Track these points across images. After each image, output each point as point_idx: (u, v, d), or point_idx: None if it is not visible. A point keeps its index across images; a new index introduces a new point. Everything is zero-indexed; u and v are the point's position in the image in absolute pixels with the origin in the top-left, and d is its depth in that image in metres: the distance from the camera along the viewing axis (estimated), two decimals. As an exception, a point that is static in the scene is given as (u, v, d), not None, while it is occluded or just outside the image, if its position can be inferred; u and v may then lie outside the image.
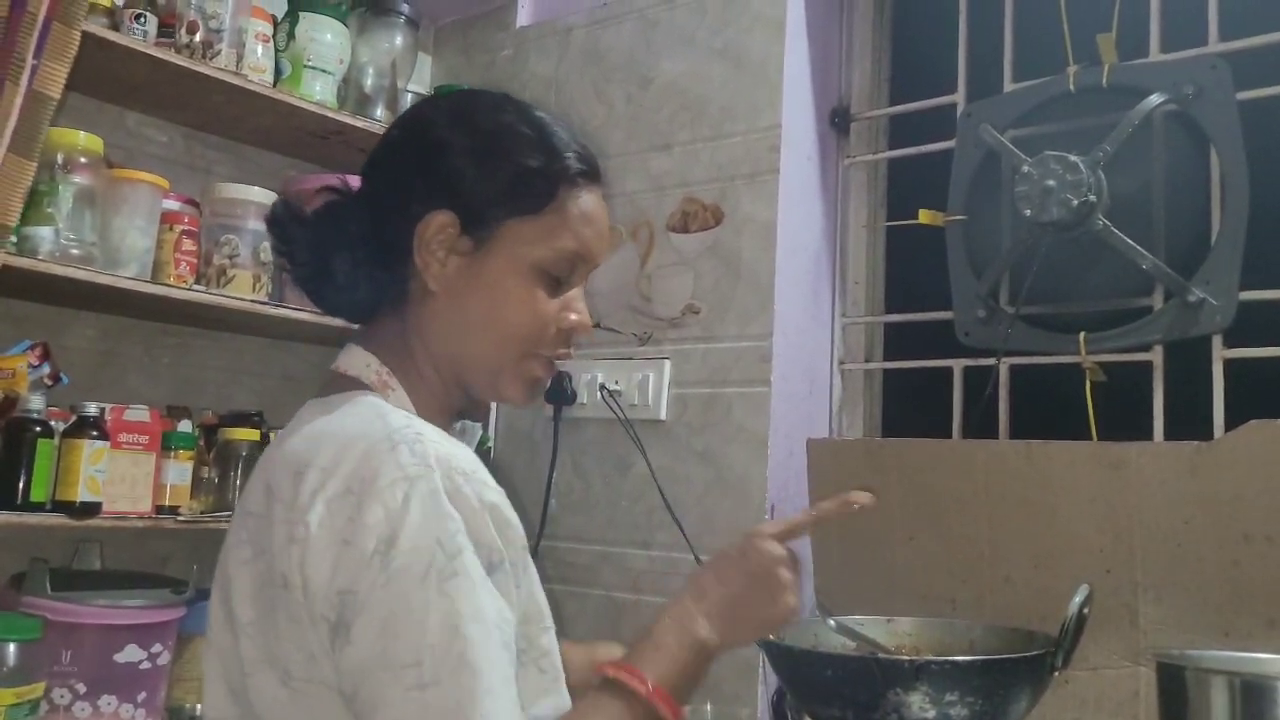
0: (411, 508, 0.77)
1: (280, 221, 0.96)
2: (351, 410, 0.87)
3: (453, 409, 0.98)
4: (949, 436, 1.75)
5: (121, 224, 1.66)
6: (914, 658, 1.16)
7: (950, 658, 1.18)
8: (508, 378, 0.94)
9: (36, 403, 1.54)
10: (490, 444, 2.10)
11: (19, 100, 1.02)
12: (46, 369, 1.61)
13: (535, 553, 2.02)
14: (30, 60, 1.03)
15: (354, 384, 0.93)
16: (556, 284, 0.93)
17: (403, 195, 0.92)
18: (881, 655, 1.23)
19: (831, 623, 1.27)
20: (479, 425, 2.10)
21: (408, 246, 0.91)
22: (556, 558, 1.97)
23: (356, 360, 0.93)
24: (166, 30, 1.72)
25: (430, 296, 0.92)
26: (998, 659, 1.18)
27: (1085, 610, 1.21)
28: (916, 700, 1.15)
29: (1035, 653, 1.19)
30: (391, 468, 0.79)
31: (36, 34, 1.03)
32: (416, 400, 0.93)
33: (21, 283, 1.56)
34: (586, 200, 0.94)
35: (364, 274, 0.92)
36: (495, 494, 0.84)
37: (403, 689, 0.74)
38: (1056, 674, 1.21)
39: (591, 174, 0.95)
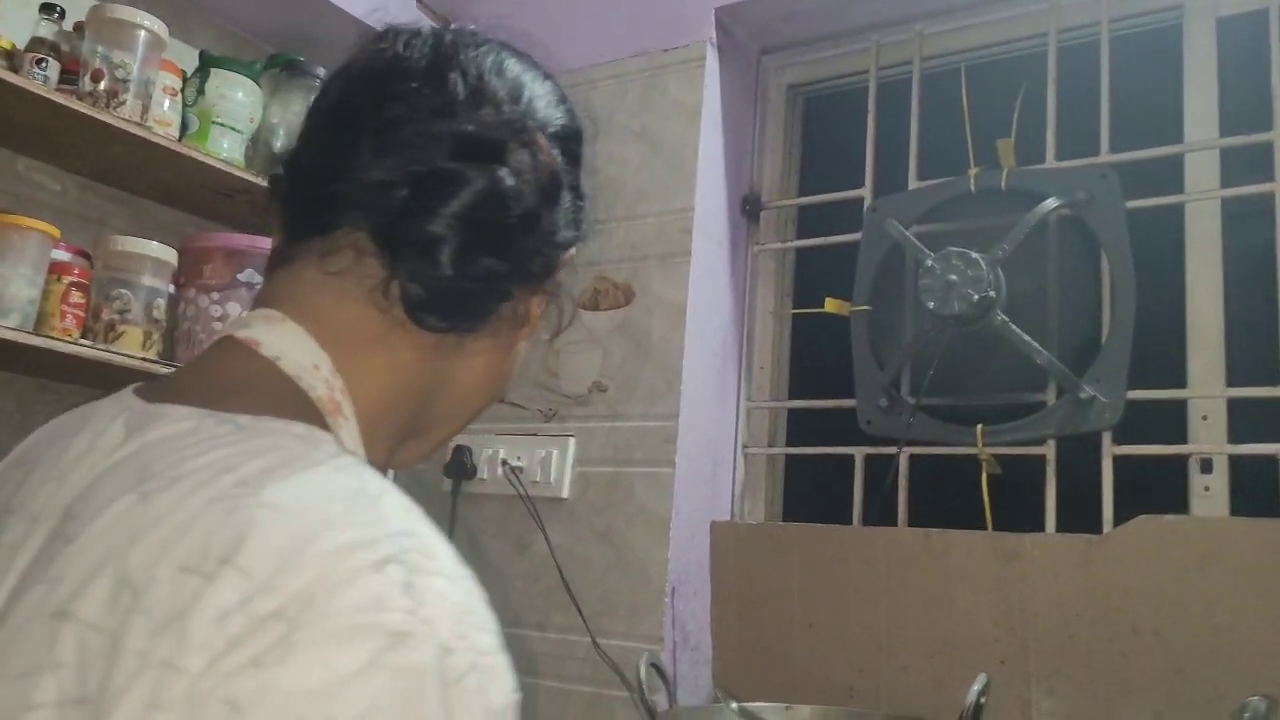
0: (374, 686, 0.46)
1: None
2: (309, 466, 0.54)
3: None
4: (849, 523, 1.76)
5: (5, 272, 1.58)
6: (816, 746, 1.15)
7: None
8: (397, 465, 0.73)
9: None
10: (384, 517, 2.04)
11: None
12: (-88, 421, 1.51)
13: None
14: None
15: (285, 389, 0.62)
16: None
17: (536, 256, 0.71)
18: (783, 742, 1.22)
19: (734, 706, 1.25)
20: (373, 497, 2.03)
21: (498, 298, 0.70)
22: (447, 637, 1.90)
23: (297, 347, 0.63)
24: (69, 77, 1.67)
25: (473, 345, 0.70)
26: (899, 748, 1.17)
27: (983, 699, 1.22)
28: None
29: (935, 742, 1.18)
30: (369, 602, 0.48)
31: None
32: (366, 446, 0.64)
33: (-109, 328, 1.47)
34: None
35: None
36: (510, 690, 0.52)
37: None
38: (955, 764, 1.21)
39: None
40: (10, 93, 1.55)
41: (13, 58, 1.61)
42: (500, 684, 0.50)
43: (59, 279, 1.64)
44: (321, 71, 2.06)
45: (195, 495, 0.51)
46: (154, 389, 0.64)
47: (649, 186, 1.90)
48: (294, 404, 0.61)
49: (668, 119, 1.91)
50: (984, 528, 1.58)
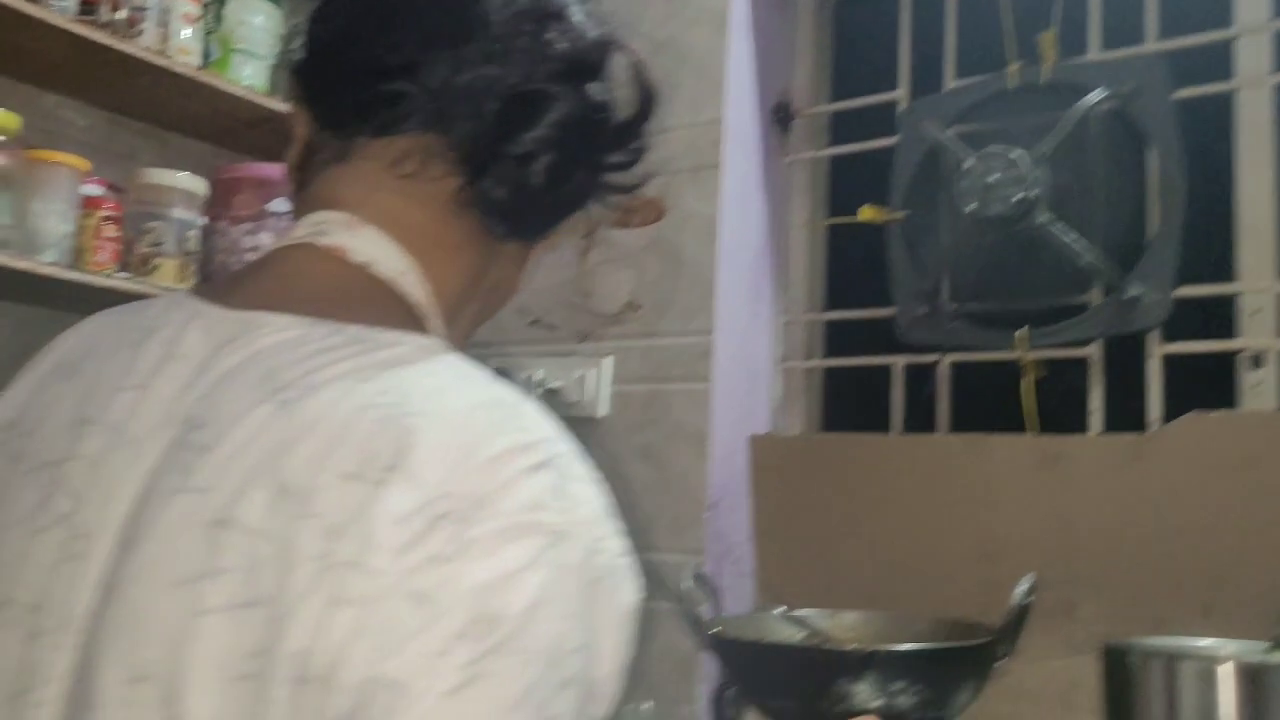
0: (538, 580, 0.49)
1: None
2: (443, 375, 0.57)
3: None
4: (889, 434, 1.75)
5: (39, 208, 1.59)
6: (862, 647, 1.15)
7: (898, 646, 1.16)
8: None
9: (-55, 393, 1.46)
10: (425, 442, 2.06)
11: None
12: (-44, 357, 1.53)
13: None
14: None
15: (382, 295, 0.62)
16: None
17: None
18: (829, 645, 1.22)
19: (779, 611, 1.25)
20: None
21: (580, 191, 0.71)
22: (492, 558, 1.93)
23: (384, 253, 0.63)
24: (88, 8, 1.65)
25: (514, 250, 0.72)
26: (945, 647, 1.17)
27: (1029, 599, 1.21)
28: (863, 689, 1.13)
29: (980, 642, 1.18)
30: (530, 502, 0.51)
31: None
32: None
33: (-70, 267, 1.49)
34: None
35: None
36: (637, 592, 0.55)
37: None
38: (1000, 663, 1.20)
39: None
40: (32, 25, 1.54)
41: (32, -10, 1.60)
42: (630, 585, 0.54)
43: (92, 214, 1.65)
44: (341, -5, 2.03)
45: (340, 404, 0.52)
46: (225, 294, 0.63)
47: (676, 98, 1.86)
48: (394, 311, 0.62)
49: (693, 27, 1.86)
50: (1027, 433, 1.56)
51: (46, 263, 1.56)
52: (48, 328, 1.77)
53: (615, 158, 0.70)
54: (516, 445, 0.52)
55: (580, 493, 0.54)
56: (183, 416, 0.56)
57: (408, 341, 0.58)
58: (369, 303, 0.61)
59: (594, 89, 0.67)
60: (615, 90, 0.69)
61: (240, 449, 0.52)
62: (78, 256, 1.63)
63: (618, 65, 0.70)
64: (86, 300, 1.73)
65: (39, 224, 1.58)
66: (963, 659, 1.16)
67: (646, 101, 0.71)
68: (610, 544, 0.54)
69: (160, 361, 0.59)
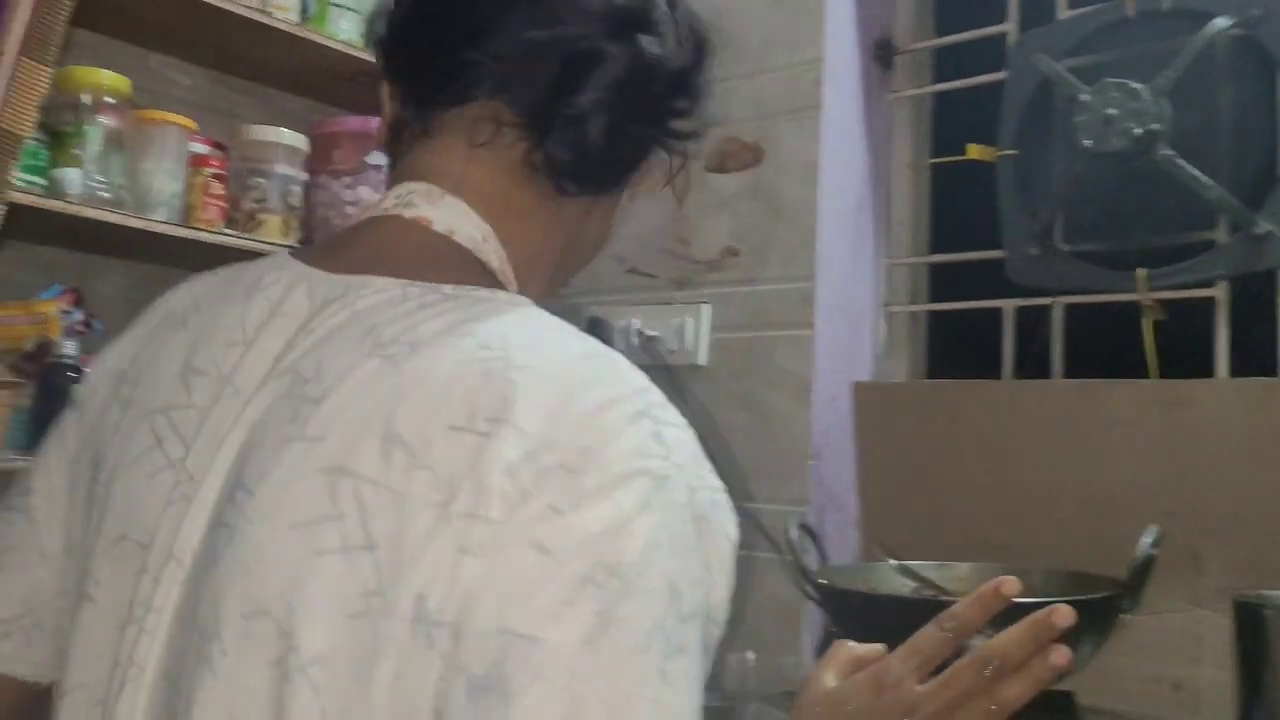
0: (650, 522, 0.51)
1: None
2: (538, 329, 0.59)
3: None
4: (999, 380, 1.70)
5: (149, 167, 1.62)
6: (978, 600, 1.12)
7: (1016, 599, 1.13)
8: None
9: (70, 349, 1.51)
10: (525, 392, 2.07)
11: (30, -1, 0.96)
12: (79, 315, 1.58)
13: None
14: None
15: (467, 260, 0.65)
16: None
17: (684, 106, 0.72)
18: (942, 596, 1.20)
19: (892, 562, 1.23)
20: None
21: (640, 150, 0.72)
22: (594, 506, 1.94)
23: (464, 221, 0.66)
24: (189, -33, 1.67)
25: (595, 204, 0.73)
26: (1063, 600, 1.14)
27: (1155, 551, 1.17)
28: (978, 642, 1.11)
29: (1104, 595, 1.15)
30: (634, 450, 0.52)
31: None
32: None
33: (50, 227, 1.53)
34: None
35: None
36: (736, 522, 0.57)
37: None
38: (1124, 617, 1.17)
39: None
40: (136, -13, 1.57)
41: (133, -48, 1.62)
42: (731, 516, 0.57)
43: (199, 171, 1.68)
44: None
45: (443, 359, 0.55)
46: (323, 259, 0.66)
47: (774, 38, 1.81)
48: (479, 274, 0.65)
49: (792, -37, 1.81)
50: (1147, 378, 1.50)
51: (158, 220, 1.60)
52: (158, 283, 1.81)
53: (675, 106, 0.71)
54: (614, 396, 0.55)
55: (676, 437, 0.55)
56: (290, 370, 0.59)
57: (499, 298, 0.62)
58: (456, 266, 0.64)
59: (645, 41, 0.67)
60: (668, 40, 0.69)
61: (350, 401, 0.55)
62: (187, 214, 1.66)
63: (668, 14, 0.70)
64: (195, 256, 1.77)
65: (150, 183, 1.62)
66: (1086, 612, 1.12)
67: (699, 49, 0.72)
68: (709, 481, 0.56)
69: (266, 318, 0.63)
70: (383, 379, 0.55)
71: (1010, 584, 0.74)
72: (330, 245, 0.70)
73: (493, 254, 0.66)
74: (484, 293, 0.61)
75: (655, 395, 0.57)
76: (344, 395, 0.55)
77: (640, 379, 0.57)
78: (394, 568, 0.50)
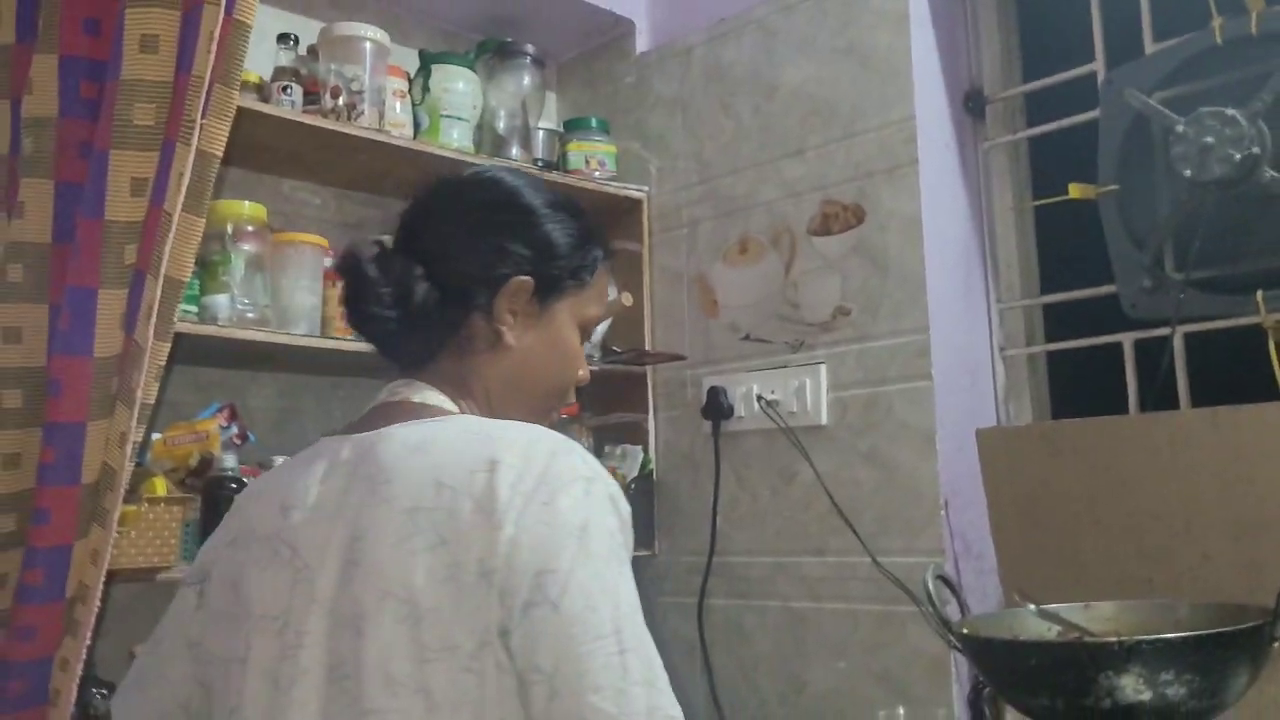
0: (594, 500, 0.89)
1: (357, 270, 1.03)
2: (500, 421, 0.99)
3: None
4: (1124, 414, 1.69)
5: (289, 285, 1.75)
6: (1124, 638, 1.12)
7: (1162, 635, 1.13)
8: (545, 422, 1.03)
9: (230, 461, 1.63)
10: (651, 465, 2.13)
11: (190, 160, 1.09)
12: (235, 429, 1.70)
13: (708, 570, 2.05)
14: (199, 121, 1.09)
15: (439, 412, 1.01)
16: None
17: (491, 256, 1.02)
18: (1088, 638, 1.20)
19: (1033, 608, 1.24)
20: (639, 448, 2.12)
21: (477, 301, 1.02)
22: (730, 573, 1.97)
23: (429, 396, 1.02)
24: (312, 97, 1.81)
25: (499, 347, 1.04)
26: (1213, 633, 1.13)
27: (1303, 577, 1.15)
28: (1130, 683, 1.11)
29: (1252, 624, 1.13)
30: (575, 465, 0.91)
31: (203, 96, 1.09)
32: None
33: (204, 349, 1.66)
34: (605, 276, 1.12)
35: (438, 322, 1.02)
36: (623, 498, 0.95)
37: (605, 655, 0.84)
38: (1277, 645, 1.15)
39: (610, 254, 1.13)
40: (266, 121, 1.71)
41: (261, 89, 1.76)
42: (625, 502, 0.93)
43: (334, 284, 1.79)
44: (530, 49, 2.13)
45: (454, 440, 0.94)
46: (356, 429, 1.02)
47: (864, 102, 1.87)
48: (448, 412, 1.03)
49: (874, 29, 1.86)
50: (1277, 400, 1.48)
51: (300, 334, 1.72)
52: (304, 391, 1.95)
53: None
54: (553, 444, 0.92)
55: (587, 459, 0.93)
56: (364, 479, 0.94)
57: (455, 418, 1.01)
58: (427, 415, 1.00)
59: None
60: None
61: (405, 474, 0.91)
62: (325, 325, 1.78)
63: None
64: (335, 364, 1.89)
65: (290, 300, 1.75)
66: (1234, 643, 1.12)
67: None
68: (609, 480, 0.92)
69: (328, 471, 0.98)
70: (418, 455, 0.92)
71: None
72: (358, 424, 1.03)
73: (449, 404, 1.02)
74: (452, 417, 1.00)
75: (572, 443, 0.94)
76: (399, 474, 0.92)
77: (559, 435, 0.94)
78: (461, 550, 0.86)
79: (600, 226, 1.11)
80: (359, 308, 1.03)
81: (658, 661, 0.87)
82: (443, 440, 0.93)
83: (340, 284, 1.09)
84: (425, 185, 1.09)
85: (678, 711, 0.86)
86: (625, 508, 0.92)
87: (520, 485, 0.87)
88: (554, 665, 0.83)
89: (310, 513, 0.95)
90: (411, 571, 0.86)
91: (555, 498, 0.87)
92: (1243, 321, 1.54)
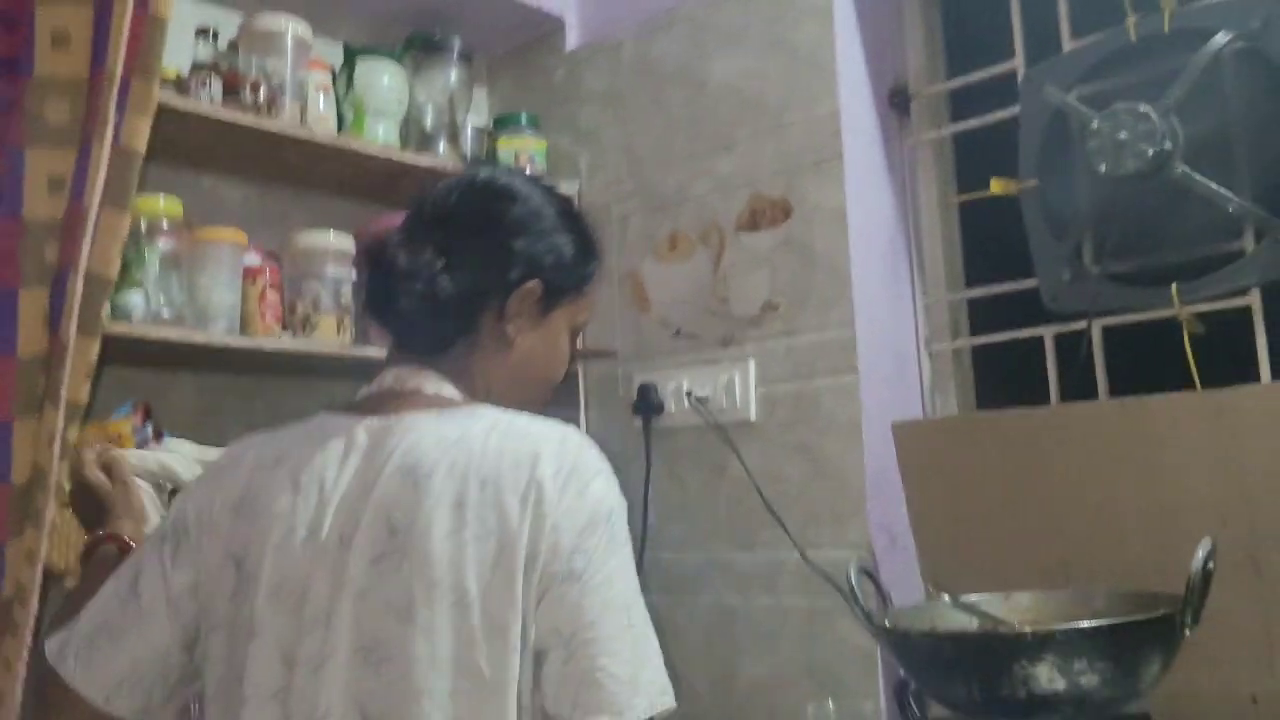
0: (612, 488, 1.00)
1: (390, 259, 1.07)
2: (522, 416, 1.05)
3: None
4: (1040, 407, 1.71)
5: (207, 282, 1.71)
6: (1037, 628, 1.14)
7: (1075, 624, 1.15)
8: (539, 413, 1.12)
9: (145, 462, 1.59)
10: (583, 462, 2.11)
11: (105, 156, 1.07)
12: (150, 429, 1.66)
13: (640, 565, 2.03)
14: (113, 117, 1.07)
15: (453, 403, 1.08)
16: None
17: (508, 261, 1.09)
18: (1002, 628, 1.21)
19: (947, 599, 1.25)
20: (570, 444, 2.11)
21: (491, 301, 1.09)
22: (661, 568, 1.97)
23: (444, 388, 1.08)
24: (232, 92, 1.77)
25: (505, 345, 1.11)
26: (1125, 622, 1.15)
27: (1210, 564, 1.18)
28: (1044, 672, 1.12)
29: (1163, 613, 1.15)
30: (596, 458, 1.01)
31: (116, 91, 1.07)
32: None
33: (119, 348, 1.61)
34: (597, 285, 1.22)
35: (455, 317, 1.08)
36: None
37: (620, 627, 0.94)
38: (1187, 633, 1.17)
39: (602, 264, 1.23)
40: (183, 117, 1.66)
41: (179, 83, 1.72)
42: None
43: (254, 281, 1.76)
44: (458, 44, 2.11)
45: (490, 435, 1.00)
46: (367, 412, 1.07)
47: (792, 96, 1.87)
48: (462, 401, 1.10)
49: (800, 24, 1.87)
50: (1191, 390, 1.51)
51: (219, 333, 1.68)
52: (223, 392, 1.91)
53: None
54: (578, 439, 1.01)
55: (600, 455, 1.01)
56: (400, 469, 0.98)
57: (482, 410, 1.06)
58: (441, 405, 1.06)
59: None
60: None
61: (449, 469, 0.97)
62: (245, 323, 1.74)
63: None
64: (255, 363, 1.86)
65: (208, 297, 1.70)
66: (1146, 632, 1.14)
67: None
68: (613, 475, 1.02)
69: (345, 453, 1.02)
70: (461, 453, 0.98)
71: None
72: (364, 404, 1.09)
73: (459, 397, 1.08)
74: (477, 408, 1.06)
75: (589, 439, 1.02)
76: (445, 466, 0.97)
77: (574, 431, 1.02)
78: (508, 542, 0.93)
79: (599, 237, 1.20)
80: (387, 295, 1.07)
81: (656, 640, 0.96)
82: (478, 434, 1.00)
83: (364, 270, 1.15)
84: (445, 184, 1.14)
85: (670, 690, 0.95)
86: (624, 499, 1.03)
87: (558, 478, 0.96)
88: (572, 630, 0.92)
89: (332, 494, 1.00)
90: (463, 562, 0.93)
91: (588, 486, 0.96)
92: (1158, 314, 1.57)
